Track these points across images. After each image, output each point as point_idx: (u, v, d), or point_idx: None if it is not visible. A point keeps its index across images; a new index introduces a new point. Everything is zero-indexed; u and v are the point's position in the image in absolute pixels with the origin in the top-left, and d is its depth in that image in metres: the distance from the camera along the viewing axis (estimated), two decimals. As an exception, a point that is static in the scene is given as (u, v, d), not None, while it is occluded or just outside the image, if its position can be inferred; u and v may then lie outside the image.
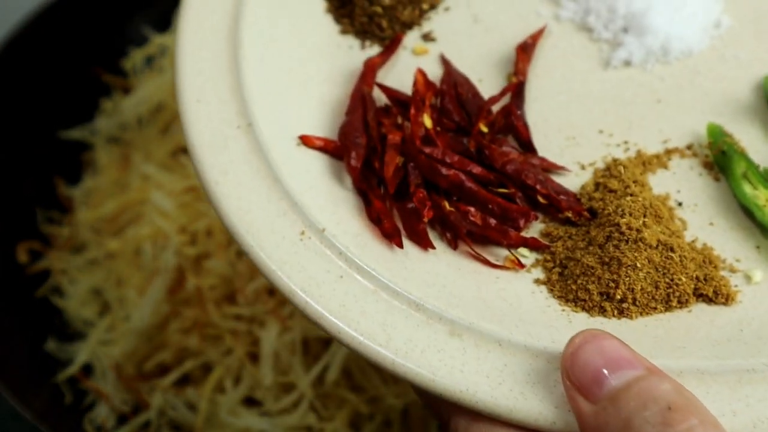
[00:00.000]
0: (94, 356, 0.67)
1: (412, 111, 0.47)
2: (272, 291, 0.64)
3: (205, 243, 0.67)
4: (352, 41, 0.53)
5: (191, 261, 0.66)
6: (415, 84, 0.49)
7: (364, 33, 0.53)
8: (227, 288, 0.65)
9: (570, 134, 0.49)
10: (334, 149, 0.47)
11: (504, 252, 0.44)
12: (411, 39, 0.53)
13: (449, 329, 0.40)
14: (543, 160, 0.47)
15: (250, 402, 0.63)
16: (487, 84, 0.50)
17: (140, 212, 0.70)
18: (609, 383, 0.34)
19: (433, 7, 0.54)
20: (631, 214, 0.43)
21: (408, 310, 0.41)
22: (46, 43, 0.76)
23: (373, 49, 0.52)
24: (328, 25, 0.53)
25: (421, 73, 0.49)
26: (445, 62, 0.51)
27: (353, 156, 0.46)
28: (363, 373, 0.62)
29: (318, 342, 0.63)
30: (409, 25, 0.53)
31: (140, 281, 0.67)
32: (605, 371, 0.35)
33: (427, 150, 0.46)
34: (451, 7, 0.54)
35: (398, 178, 0.45)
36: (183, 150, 0.72)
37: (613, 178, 0.46)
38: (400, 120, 0.48)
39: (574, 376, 0.35)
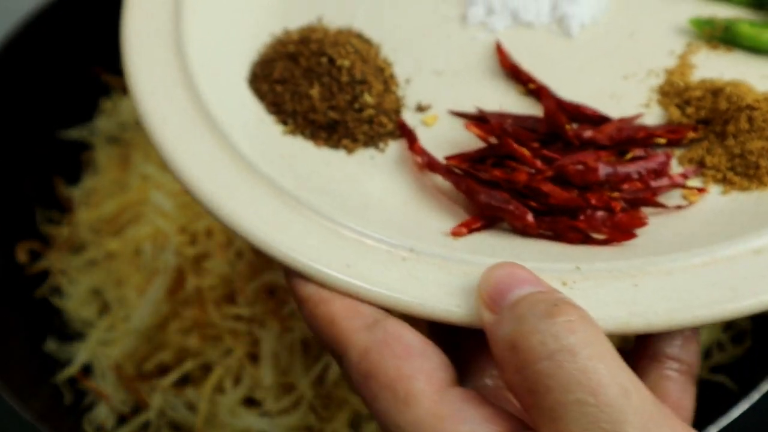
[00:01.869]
0: (94, 356, 0.67)
1: (514, 147, 0.47)
2: (272, 291, 0.64)
3: (205, 243, 0.67)
4: (367, 152, 0.50)
5: (191, 261, 0.66)
6: (480, 136, 0.49)
7: (371, 139, 0.51)
8: (227, 288, 0.65)
9: (609, 94, 0.52)
10: (489, 221, 0.47)
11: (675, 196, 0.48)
12: (409, 118, 0.52)
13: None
14: (621, 119, 0.50)
15: (250, 402, 0.63)
16: (508, 107, 0.52)
17: (140, 212, 0.70)
18: (511, 296, 0.39)
19: (397, 85, 0.53)
20: (743, 96, 0.48)
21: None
22: (46, 43, 0.76)
23: (391, 147, 0.51)
24: (333, 156, 0.50)
25: (471, 124, 0.49)
26: (461, 114, 0.52)
27: (519, 213, 0.46)
28: (363, 374, 0.62)
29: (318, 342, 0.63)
30: (398, 110, 0.52)
31: (140, 281, 0.67)
32: (510, 288, 0.39)
33: (569, 163, 0.47)
34: (411, 78, 0.53)
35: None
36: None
37: (687, 92, 0.51)
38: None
39: (485, 293, 0.40)
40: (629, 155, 0.49)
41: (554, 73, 0.53)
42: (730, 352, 0.65)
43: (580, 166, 0.47)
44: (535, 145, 0.49)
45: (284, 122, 0.51)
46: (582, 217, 0.46)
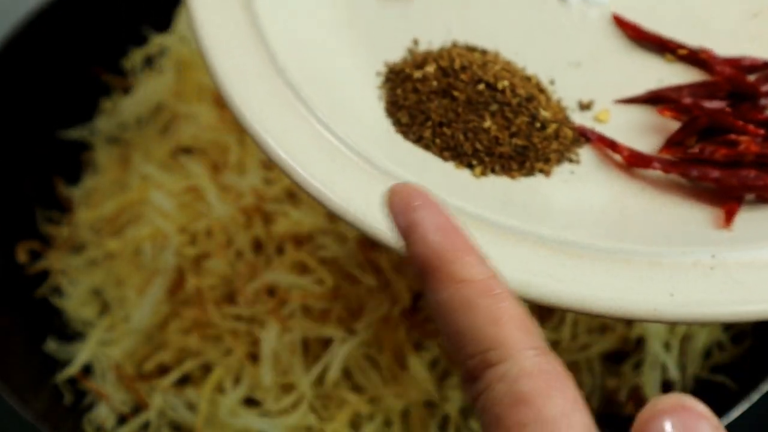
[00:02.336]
0: (94, 356, 0.67)
1: (730, 119, 0.46)
2: (272, 291, 0.64)
3: (205, 243, 0.66)
4: (564, 168, 0.47)
5: (191, 261, 0.66)
6: (675, 118, 0.48)
7: (562, 154, 0.47)
8: (227, 288, 0.65)
9: (748, 38, 0.51)
10: (740, 201, 0.46)
11: None
12: (578, 120, 0.49)
13: None
14: None
15: (250, 402, 0.63)
16: (666, 79, 0.50)
17: (140, 212, 0.70)
18: None
19: (549, 90, 0.50)
20: None
21: None
22: (46, 43, 0.76)
23: (583, 155, 0.48)
24: (534, 184, 0.46)
25: (665, 108, 0.48)
26: (631, 100, 0.50)
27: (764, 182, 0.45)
28: (363, 374, 0.62)
29: (318, 342, 0.63)
30: (566, 116, 0.49)
31: (140, 281, 0.67)
32: None
33: None
34: (553, 77, 0.50)
35: None
36: (183, 150, 0.72)
37: None
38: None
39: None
40: None
41: (681, 27, 0.51)
42: (730, 352, 0.64)
43: None
44: (728, 110, 0.47)
45: (469, 165, 0.46)
46: None
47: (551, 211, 0.45)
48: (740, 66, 0.50)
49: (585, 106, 0.49)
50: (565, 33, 0.52)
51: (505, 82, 0.46)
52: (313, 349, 0.63)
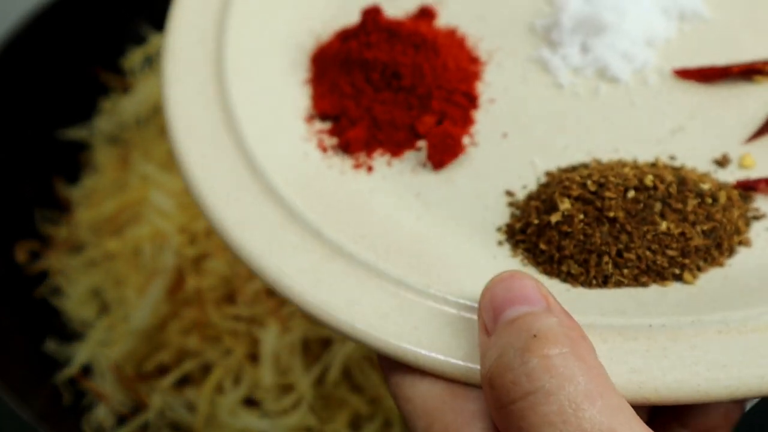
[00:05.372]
0: (93, 357, 0.67)
1: None
2: (272, 291, 0.64)
3: (205, 243, 0.66)
4: (762, 226, 0.42)
5: (191, 261, 0.66)
6: None
7: (746, 219, 0.42)
8: (227, 288, 0.65)
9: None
10: None
11: None
12: (729, 176, 0.44)
13: None
14: None
15: (250, 402, 0.63)
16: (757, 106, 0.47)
17: (139, 212, 0.70)
18: (503, 317, 0.34)
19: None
20: None
21: None
22: (45, 43, 0.76)
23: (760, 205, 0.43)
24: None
25: None
26: (760, 131, 0.45)
27: None
28: (363, 374, 0.62)
29: (318, 342, 0.63)
30: (719, 181, 0.44)
31: (139, 281, 0.67)
32: (504, 306, 0.35)
33: None
34: (674, 153, 0.45)
35: None
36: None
37: None
38: None
39: (481, 312, 0.36)
40: None
41: (720, 50, 0.48)
42: (730, 352, 0.64)
43: None
44: None
45: (675, 277, 0.40)
46: None
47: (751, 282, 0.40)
48: None
49: (722, 162, 0.44)
50: (642, 108, 0.47)
51: (650, 176, 0.41)
52: (313, 349, 0.63)
